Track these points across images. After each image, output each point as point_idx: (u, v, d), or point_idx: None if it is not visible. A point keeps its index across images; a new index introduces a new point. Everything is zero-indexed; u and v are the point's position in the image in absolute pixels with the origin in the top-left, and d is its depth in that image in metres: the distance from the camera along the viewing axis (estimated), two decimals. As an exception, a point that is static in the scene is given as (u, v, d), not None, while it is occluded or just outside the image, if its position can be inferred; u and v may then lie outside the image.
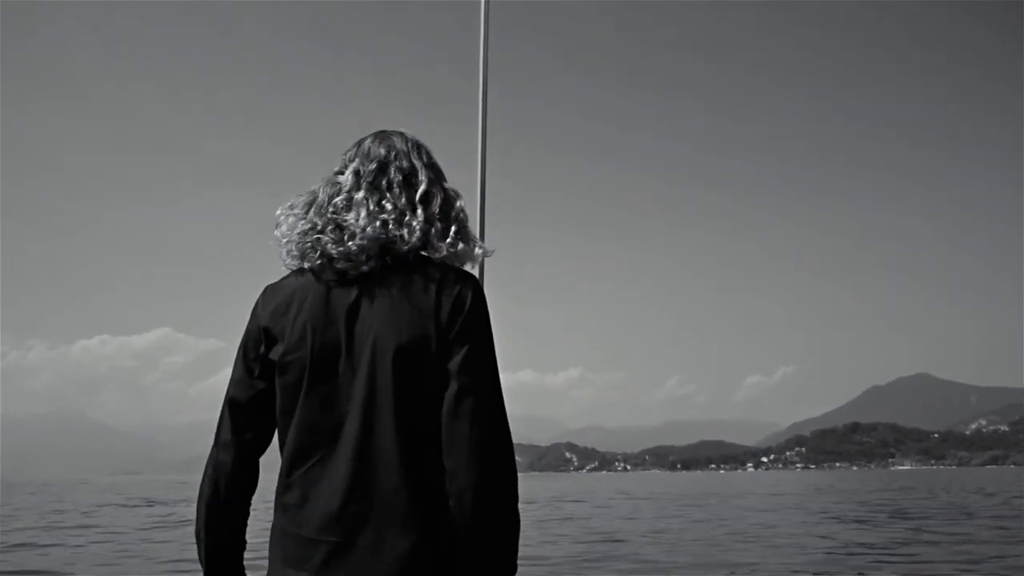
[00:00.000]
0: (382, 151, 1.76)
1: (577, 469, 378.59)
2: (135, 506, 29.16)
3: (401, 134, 1.82)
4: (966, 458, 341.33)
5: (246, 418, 1.70)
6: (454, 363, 1.58)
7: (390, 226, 1.65)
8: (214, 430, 1.74)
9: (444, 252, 1.69)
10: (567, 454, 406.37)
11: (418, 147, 1.81)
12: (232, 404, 1.71)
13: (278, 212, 1.76)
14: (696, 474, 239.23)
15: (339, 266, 1.65)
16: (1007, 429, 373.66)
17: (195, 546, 1.75)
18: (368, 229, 1.63)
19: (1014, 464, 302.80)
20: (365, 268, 1.64)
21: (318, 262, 1.68)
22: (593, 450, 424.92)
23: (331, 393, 1.61)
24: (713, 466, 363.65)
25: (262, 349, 1.70)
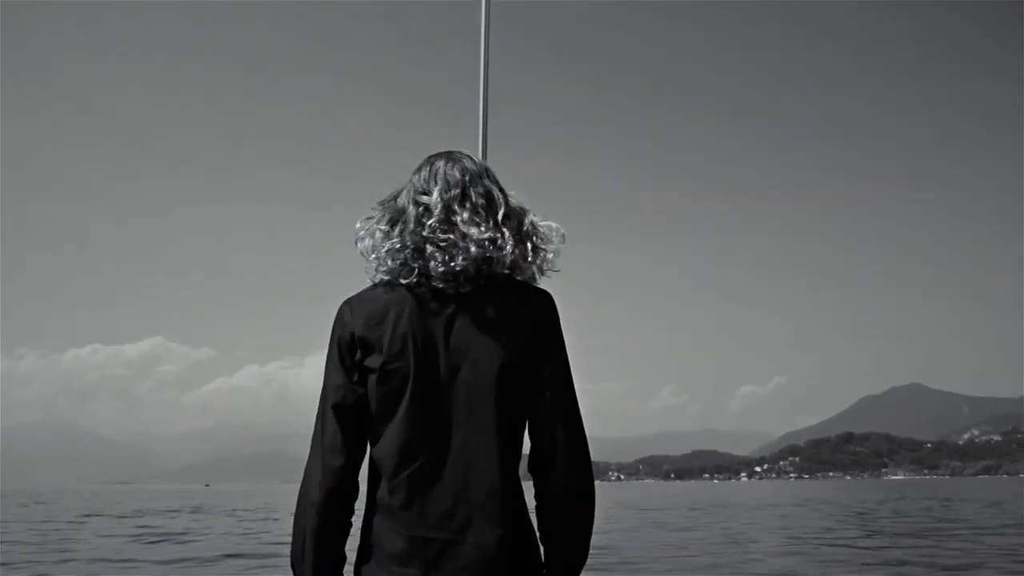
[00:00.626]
0: (457, 175, 1.86)
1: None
2: (122, 517, 28.93)
3: (469, 156, 1.94)
4: (959, 468, 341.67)
5: (352, 422, 1.78)
6: (545, 375, 1.79)
7: (488, 248, 1.77)
8: (312, 438, 1.80)
9: (528, 273, 1.87)
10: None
11: (486, 169, 1.93)
12: (338, 408, 1.78)
13: (358, 226, 1.87)
14: (690, 484, 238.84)
15: (438, 285, 1.77)
16: (999, 439, 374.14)
17: (292, 558, 1.79)
18: (473, 250, 1.75)
19: (1007, 474, 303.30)
20: (464, 289, 1.77)
21: (414, 280, 1.78)
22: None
23: (433, 401, 1.74)
24: (707, 476, 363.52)
25: (358, 356, 1.79)
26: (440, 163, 1.89)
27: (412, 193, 1.85)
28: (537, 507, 1.78)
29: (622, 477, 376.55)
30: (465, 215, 1.80)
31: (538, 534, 1.80)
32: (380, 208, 1.88)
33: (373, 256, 1.83)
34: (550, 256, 1.89)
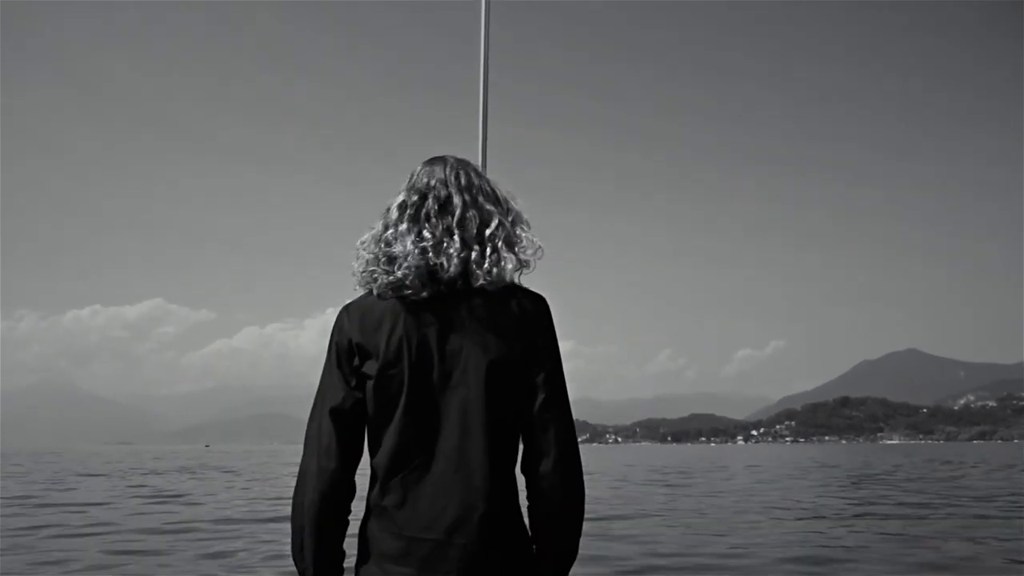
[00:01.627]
0: (424, 180, 1.90)
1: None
2: (120, 477, 28.74)
3: (445, 161, 1.95)
4: (954, 433, 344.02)
5: (348, 425, 1.81)
6: (539, 378, 1.81)
7: (429, 254, 1.80)
8: (306, 439, 1.84)
9: (482, 280, 1.81)
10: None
11: (458, 173, 1.92)
12: (335, 412, 1.81)
13: (358, 244, 1.93)
14: (687, 447, 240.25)
15: (401, 293, 1.82)
16: (995, 405, 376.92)
17: (292, 552, 1.81)
18: (410, 258, 1.78)
19: (1001, 439, 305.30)
20: (424, 294, 1.80)
21: (385, 292, 1.83)
22: (584, 423, 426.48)
23: (427, 406, 1.78)
24: (704, 439, 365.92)
25: (356, 362, 1.83)
26: (418, 170, 1.95)
27: (384, 208, 1.92)
28: (529, 507, 1.83)
29: (619, 440, 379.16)
30: (405, 225, 1.84)
31: (529, 532, 1.83)
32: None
33: (356, 270, 1.90)
34: (509, 267, 1.86)
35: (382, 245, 1.85)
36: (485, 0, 3.04)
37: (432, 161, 1.96)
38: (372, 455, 1.84)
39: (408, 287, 1.80)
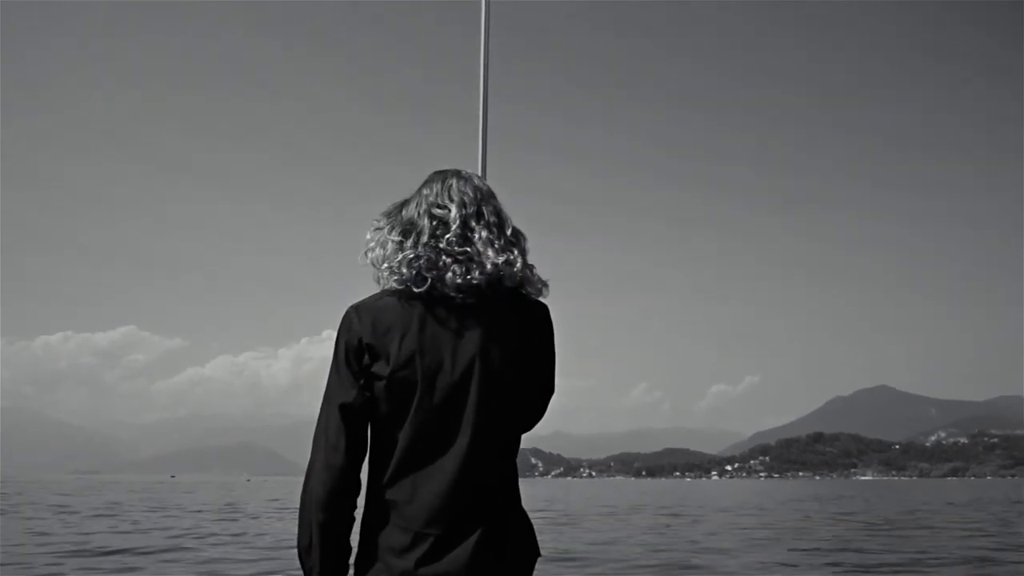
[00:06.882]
0: (471, 192, 1.99)
1: (543, 475, 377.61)
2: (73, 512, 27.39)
3: (469, 174, 2.08)
4: (926, 469, 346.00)
5: (357, 422, 1.88)
6: (539, 383, 2.02)
7: (501, 263, 1.91)
8: (314, 436, 1.90)
9: (535, 287, 2.00)
10: (532, 460, 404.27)
11: (490, 189, 2.07)
12: (345, 409, 1.87)
13: (368, 236, 1.99)
14: (661, 481, 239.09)
15: (450, 294, 1.89)
16: (967, 442, 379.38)
17: (299, 548, 1.88)
18: (489, 267, 1.88)
19: (974, 476, 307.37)
20: (471, 301, 1.90)
21: (425, 289, 1.89)
22: (559, 456, 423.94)
23: (438, 407, 1.86)
24: (678, 474, 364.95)
25: (365, 360, 1.89)
26: (453, 180, 2.01)
27: (424, 206, 1.96)
28: None
29: (593, 474, 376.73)
30: (483, 233, 1.92)
31: (535, 532, 1.98)
32: (387, 220, 1.98)
33: (385, 266, 1.92)
34: (536, 278, 2.01)
35: (440, 246, 1.90)
36: (484, 22, 3.00)
37: (460, 174, 2.05)
38: (378, 452, 1.91)
39: (469, 292, 1.88)
